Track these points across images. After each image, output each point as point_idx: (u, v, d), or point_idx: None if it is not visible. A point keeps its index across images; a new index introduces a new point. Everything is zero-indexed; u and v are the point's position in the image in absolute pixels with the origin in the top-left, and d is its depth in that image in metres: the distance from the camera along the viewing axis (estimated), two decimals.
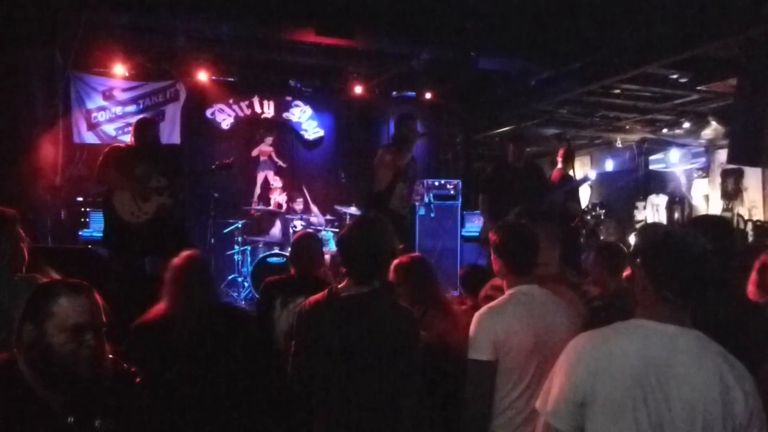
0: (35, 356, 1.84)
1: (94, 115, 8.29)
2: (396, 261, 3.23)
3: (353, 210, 7.92)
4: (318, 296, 2.63)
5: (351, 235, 2.65)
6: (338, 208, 8.18)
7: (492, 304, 2.67)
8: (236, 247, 8.15)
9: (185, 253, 3.18)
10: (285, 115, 9.62)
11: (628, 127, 10.33)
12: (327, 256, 7.15)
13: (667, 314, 1.86)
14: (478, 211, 7.15)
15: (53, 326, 1.84)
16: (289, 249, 4.53)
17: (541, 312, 2.58)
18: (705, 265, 1.88)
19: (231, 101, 9.24)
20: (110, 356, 1.99)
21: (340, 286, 2.62)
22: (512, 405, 2.52)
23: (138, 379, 2.07)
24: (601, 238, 7.44)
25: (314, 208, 8.59)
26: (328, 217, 8.61)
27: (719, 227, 2.87)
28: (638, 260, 1.97)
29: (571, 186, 6.81)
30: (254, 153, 9.48)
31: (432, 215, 8.70)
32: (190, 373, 2.81)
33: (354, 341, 2.47)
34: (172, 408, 2.70)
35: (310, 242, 3.93)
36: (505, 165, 6.37)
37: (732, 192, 10.39)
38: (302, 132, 9.79)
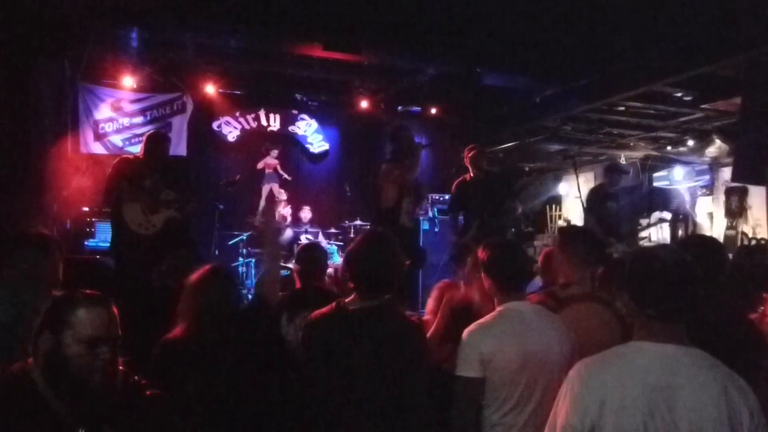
0: (51, 365, 1.86)
1: (101, 125, 8.36)
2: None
3: (358, 223, 7.95)
4: (325, 309, 2.63)
5: (359, 250, 2.66)
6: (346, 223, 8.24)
7: (480, 321, 2.69)
8: (241, 259, 8.17)
9: (206, 267, 3.06)
10: (291, 128, 9.68)
11: (632, 144, 10.34)
12: (330, 270, 7.15)
13: (663, 333, 1.84)
14: None
15: (71, 337, 1.85)
16: (294, 260, 4.54)
17: (531, 329, 2.59)
18: (682, 277, 1.85)
19: (237, 114, 9.31)
20: (121, 368, 2.01)
21: (347, 300, 2.63)
22: (501, 421, 2.53)
23: (148, 392, 2.08)
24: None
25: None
26: (333, 230, 8.64)
27: (707, 245, 2.90)
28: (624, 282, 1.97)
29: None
30: (260, 165, 9.53)
31: (436, 229, 8.72)
32: (218, 389, 2.72)
33: (363, 354, 2.48)
34: (204, 424, 2.65)
35: (314, 253, 3.93)
36: (466, 180, 6.39)
37: (736, 210, 10.36)
38: (308, 145, 9.85)
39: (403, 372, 2.48)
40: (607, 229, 6.79)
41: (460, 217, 6.55)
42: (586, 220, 6.87)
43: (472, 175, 6.38)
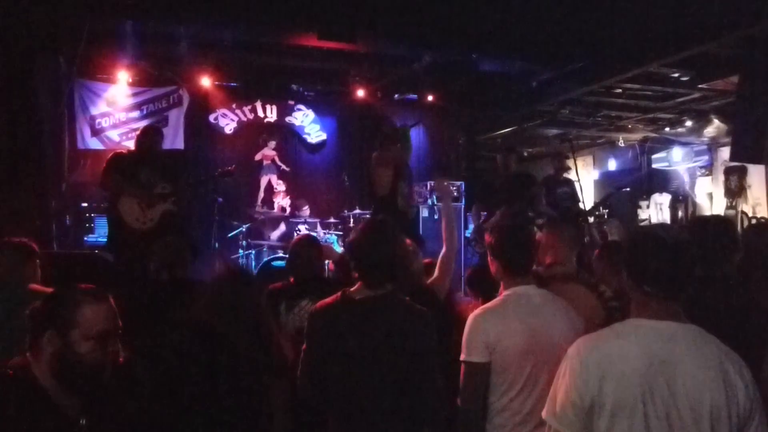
0: (61, 365, 1.86)
1: (98, 121, 8.33)
2: None
3: (357, 212, 7.96)
4: (330, 299, 2.61)
5: (362, 239, 2.62)
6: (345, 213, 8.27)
7: (486, 305, 2.68)
8: (240, 251, 8.18)
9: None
10: (288, 119, 9.65)
11: (630, 126, 10.32)
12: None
13: (660, 310, 1.86)
14: None
15: (79, 335, 1.86)
16: (288, 253, 4.52)
17: (537, 313, 2.58)
18: (679, 255, 1.86)
19: (234, 106, 9.27)
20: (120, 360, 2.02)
21: (352, 289, 2.60)
22: (508, 406, 2.52)
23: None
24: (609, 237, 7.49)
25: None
26: (332, 220, 8.64)
27: (719, 226, 2.90)
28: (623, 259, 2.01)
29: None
30: (257, 157, 9.51)
31: (435, 217, 8.70)
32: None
33: (370, 344, 2.46)
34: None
35: (306, 246, 3.87)
36: (495, 175, 6.67)
37: (735, 189, 10.35)
38: (305, 136, 9.82)
39: (412, 360, 2.46)
40: (563, 213, 7.11)
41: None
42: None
43: (502, 170, 6.91)
